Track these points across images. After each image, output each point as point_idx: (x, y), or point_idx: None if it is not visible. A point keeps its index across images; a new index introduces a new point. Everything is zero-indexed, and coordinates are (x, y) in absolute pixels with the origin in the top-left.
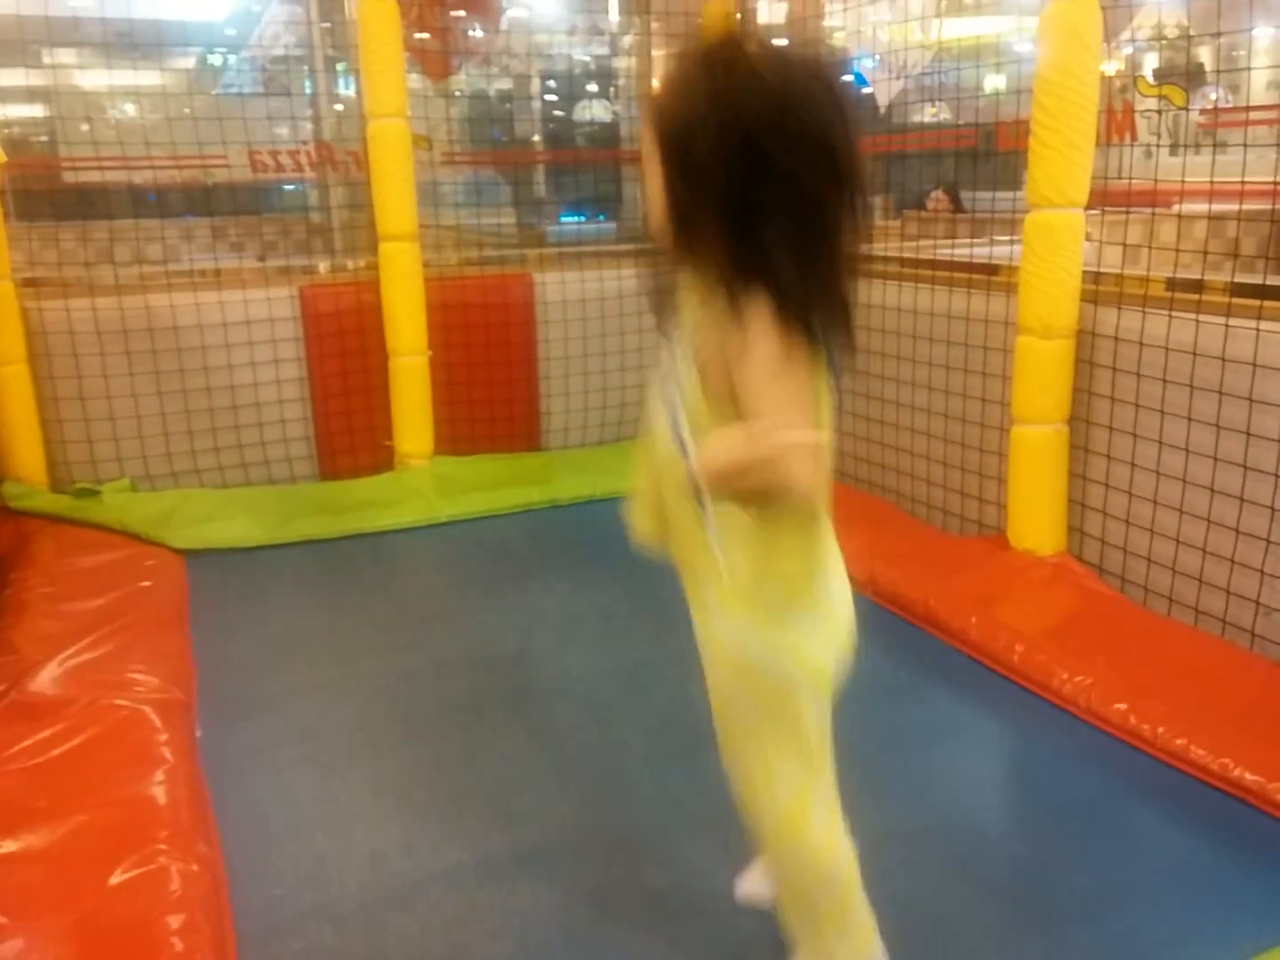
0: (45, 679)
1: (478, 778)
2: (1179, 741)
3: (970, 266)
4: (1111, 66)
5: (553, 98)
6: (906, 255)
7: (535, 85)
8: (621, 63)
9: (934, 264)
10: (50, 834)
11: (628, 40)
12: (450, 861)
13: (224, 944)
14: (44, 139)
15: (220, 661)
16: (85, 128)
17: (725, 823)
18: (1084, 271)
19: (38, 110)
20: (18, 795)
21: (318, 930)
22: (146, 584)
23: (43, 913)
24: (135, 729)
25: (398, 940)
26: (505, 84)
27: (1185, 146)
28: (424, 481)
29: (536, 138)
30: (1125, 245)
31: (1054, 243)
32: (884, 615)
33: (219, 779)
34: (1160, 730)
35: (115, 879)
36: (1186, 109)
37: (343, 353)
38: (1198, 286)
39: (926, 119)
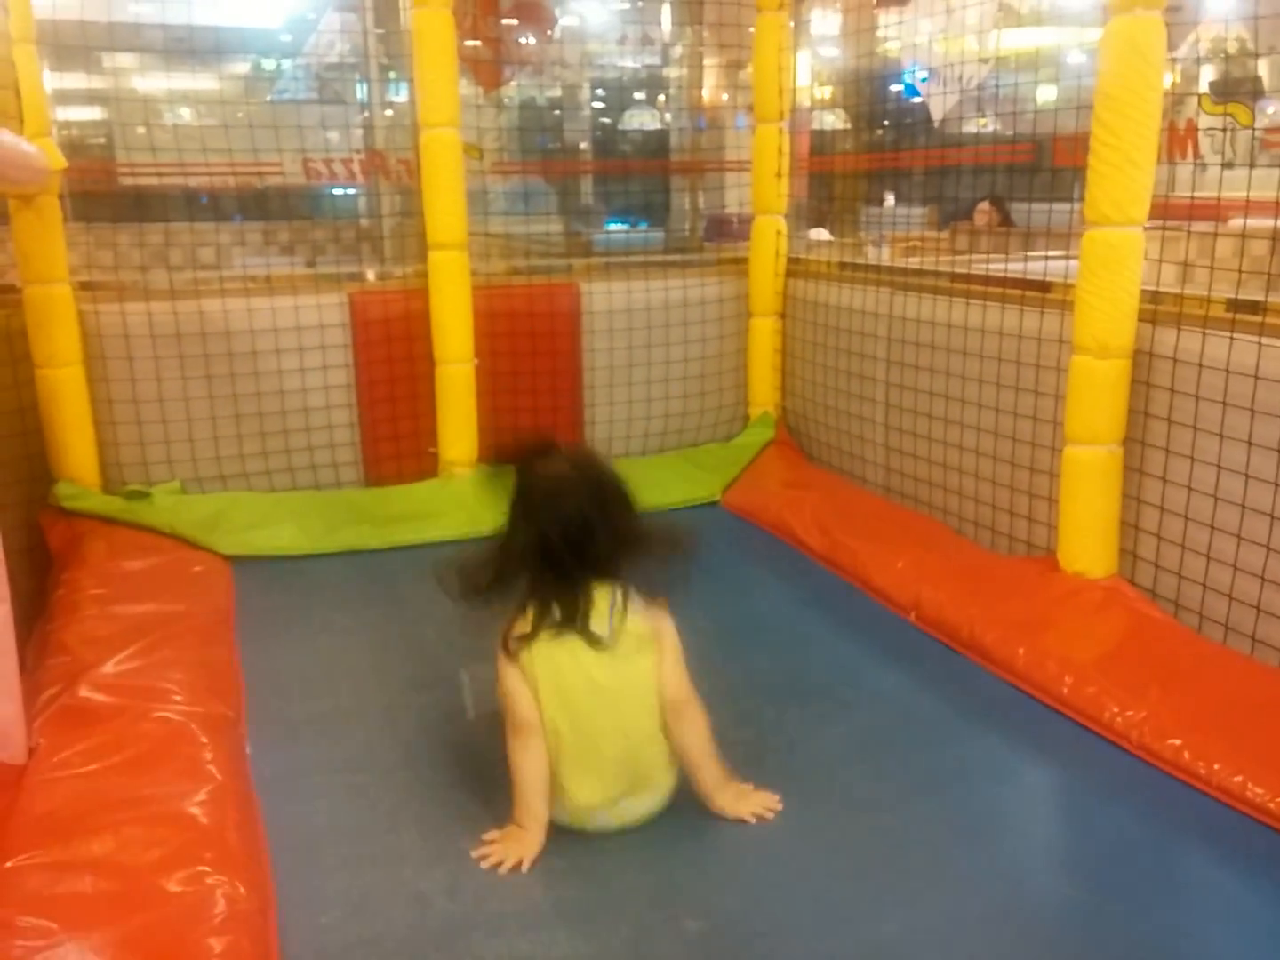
0: (96, 683)
1: None
2: (1236, 779)
3: (1022, 283)
4: (1166, 80)
5: (601, 106)
6: (958, 271)
7: (585, 94)
8: (672, 72)
9: (985, 279)
10: (99, 845)
11: (678, 50)
12: (493, 910)
13: None
14: (101, 142)
15: (267, 677)
16: (142, 131)
17: (761, 871)
18: (1142, 290)
19: (96, 114)
20: (69, 802)
21: None
22: (195, 590)
23: (90, 924)
24: (184, 743)
25: None
26: (555, 92)
27: (1249, 166)
28: (467, 490)
29: (584, 146)
30: (1185, 264)
31: (1113, 261)
32: (929, 643)
33: (267, 801)
34: (1216, 767)
35: (162, 895)
36: (1253, 127)
37: (390, 359)
38: (1259, 308)
39: (979, 131)
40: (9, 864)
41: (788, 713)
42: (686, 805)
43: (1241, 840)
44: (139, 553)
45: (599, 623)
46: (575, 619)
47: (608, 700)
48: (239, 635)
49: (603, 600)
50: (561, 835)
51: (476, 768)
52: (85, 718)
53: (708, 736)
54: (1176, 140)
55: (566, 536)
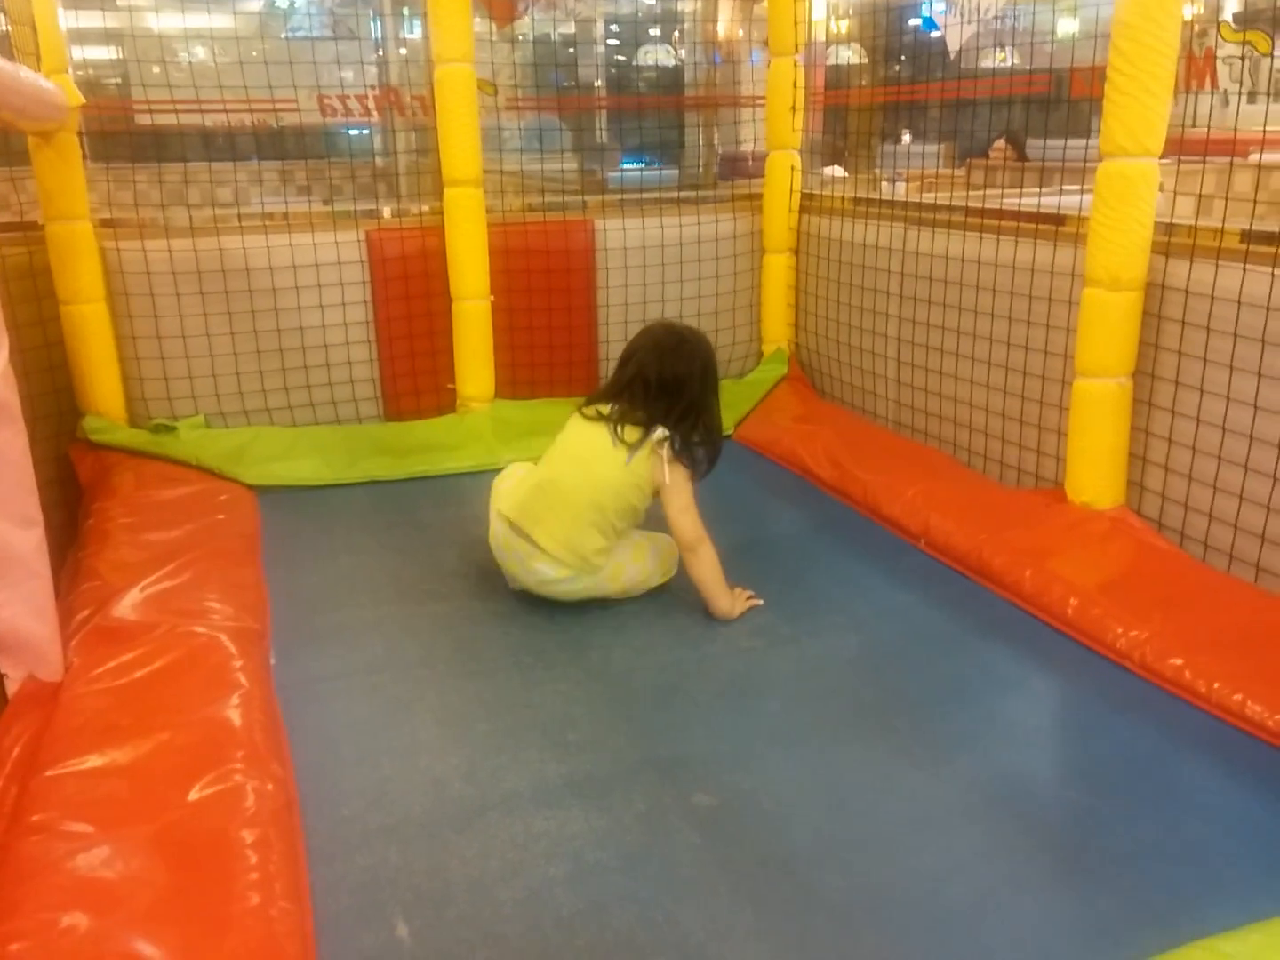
0: (127, 605)
1: (536, 714)
2: (1235, 697)
3: (1036, 216)
4: (1189, 10)
5: (615, 42)
6: (971, 205)
7: (599, 29)
8: (687, 6)
9: (999, 213)
10: (133, 750)
11: None
12: (508, 789)
13: (295, 858)
14: (117, 81)
15: (291, 594)
16: (157, 70)
17: (770, 756)
18: (1156, 222)
19: (112, 52)
20: (103, 713)
21: (383, 849)
22: (221, 517)
23: (126, 823)
24: (212, 655)
25: (458, 860)
26: (568, 28)
27: (1267, 95)
28: (484, 425)
29: (599, 83)
30: (1200, 196)
31: (1127, 193)
32: (937, 568)
33: (290, 705)
34: (1216, 686)
35: (194, 794)
36: (1271, 55)
37: (407, 296)
38: (1274, 239)
39: (995, 66)
40: (49, 773)
41: (798, 624)
42: (695, 686)
43: (1239, 754)
44: (166, 483)
45: (629, 436)
46: (614, 420)
47: (584, 461)
48: (264, 557)
49: (641, 429)
50: (575, 706)
51: (492, 659)
52: (117, 636)
53: (717, 571)
54: (1195, 69)
55: (661, 376)
